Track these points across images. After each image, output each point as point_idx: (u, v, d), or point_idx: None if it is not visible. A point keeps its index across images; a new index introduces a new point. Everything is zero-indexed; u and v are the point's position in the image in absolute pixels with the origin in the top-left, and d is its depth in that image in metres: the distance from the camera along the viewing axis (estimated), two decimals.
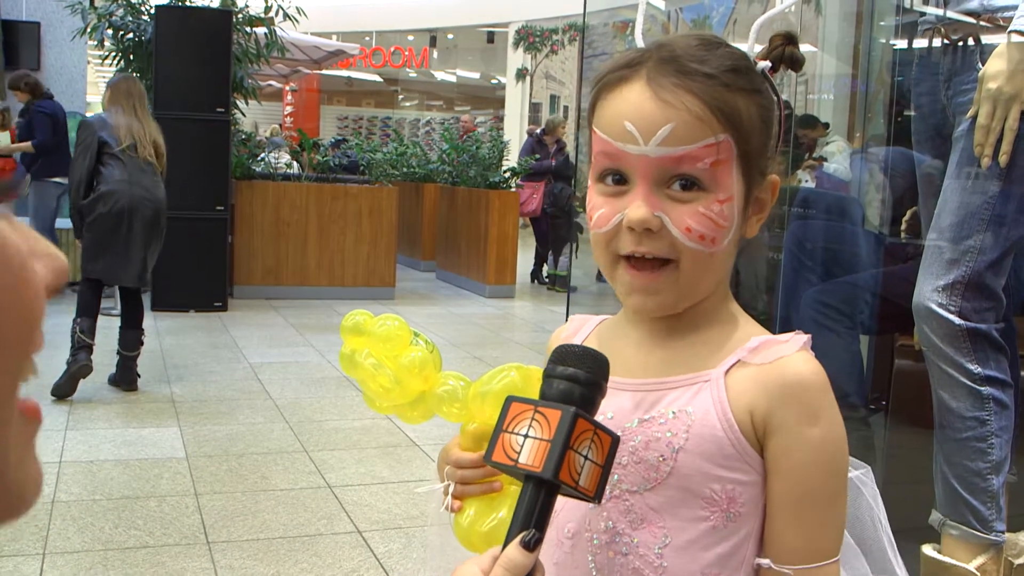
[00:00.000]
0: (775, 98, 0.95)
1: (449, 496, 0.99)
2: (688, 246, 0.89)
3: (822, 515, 0.91)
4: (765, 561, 0.91)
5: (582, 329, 1.08)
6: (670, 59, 0.90)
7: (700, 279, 0.93)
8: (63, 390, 4.60)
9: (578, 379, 0.80)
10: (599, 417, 0.93)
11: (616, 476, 0.93)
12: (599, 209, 0.93)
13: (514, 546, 0.76)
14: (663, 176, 0.89)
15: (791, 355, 0.90)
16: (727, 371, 0.92)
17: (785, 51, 0.96)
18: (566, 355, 0.82)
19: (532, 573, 0.77)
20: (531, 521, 0.77)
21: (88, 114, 8.12)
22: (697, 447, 0.89)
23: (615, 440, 0.79)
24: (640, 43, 0.96)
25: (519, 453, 0.78)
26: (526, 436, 0.78)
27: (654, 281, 0.92)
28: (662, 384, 0.94)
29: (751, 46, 0.94)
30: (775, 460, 0.90)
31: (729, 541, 0.90)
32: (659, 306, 0.94)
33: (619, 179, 0.92)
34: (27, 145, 7.48)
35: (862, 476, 1.02)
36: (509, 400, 0.81)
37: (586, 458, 0.77)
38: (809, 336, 0.92)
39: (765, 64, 0.95)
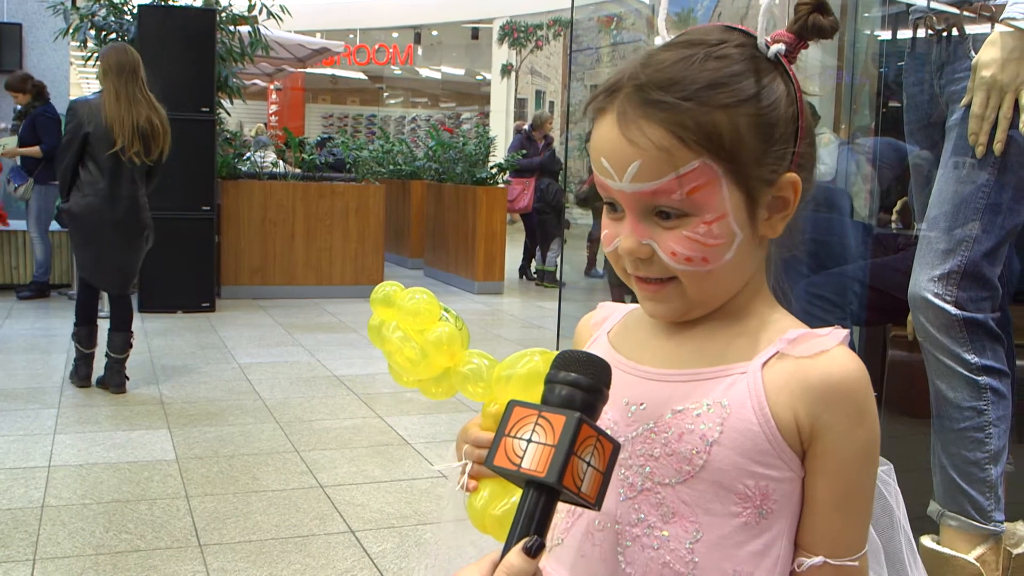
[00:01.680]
0: (790, 87, 0.90)
1: (466, 475, 1.00)
2: (678, 269, 0.89)
3: (864, 509, 0.91)
4: (818, 559, 0.89)
5: (611, 317, 1.07)
6: (639, 88, 0.87)
7: (706, 292, 0.92)
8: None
9: (580, 385, 0.80)
10: (632, 407, 0.94)
11: (648, 468, 0.91)
12: (605, 229, 0.95)
13: (516, 552, 0.76)
14: (645, 207, 0.89)
15: (833, 351, 0.88)
16: (764, 363, 0.90)
17: (809, 20, 0.91)
18: (569, 361, 0.82)
19: None
20: (532, 527, 0.77)
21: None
22: (731, 441, 0.87)
23: (616, 447, 0.80)
24: (664, 34, 0.95)
25: (522, 458, 0.78)
26: (529, 441, 0.78)
27: (660, 292, 0.92)
28: (696, 375, 0.92)
29: (760, 32, 0.90)
30: (820, 460, 0.88)
31: (761, 539, 0.89)
32: (671, 313, 0.94)
33: (614, 205, 0.92)
34: (35, 149, 7.30)
35: (884, 475, 1.00)
36: (511, 404, 0.82)
37: (589, 464, 0.77)
38: (848, 331, 0.90)
39: (778, 48, 0.90)
